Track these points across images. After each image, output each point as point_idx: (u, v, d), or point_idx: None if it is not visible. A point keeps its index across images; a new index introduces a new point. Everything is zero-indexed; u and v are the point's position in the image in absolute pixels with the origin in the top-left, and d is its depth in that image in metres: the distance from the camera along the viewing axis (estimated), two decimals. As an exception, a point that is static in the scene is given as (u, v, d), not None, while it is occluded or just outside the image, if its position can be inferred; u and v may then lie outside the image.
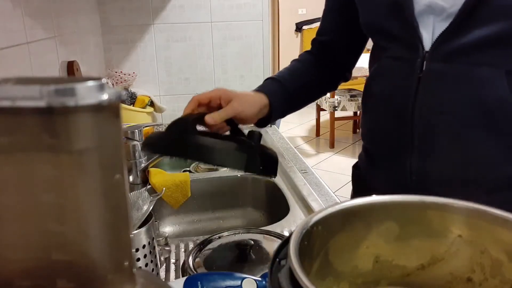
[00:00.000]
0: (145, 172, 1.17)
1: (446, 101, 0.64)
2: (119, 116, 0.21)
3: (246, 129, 0.68)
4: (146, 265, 0.69)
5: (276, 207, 1.11)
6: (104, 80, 0.20)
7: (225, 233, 0.81)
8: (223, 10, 1.56)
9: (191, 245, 0.85)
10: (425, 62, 0.65)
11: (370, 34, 0.77)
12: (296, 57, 0.88)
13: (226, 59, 1.62)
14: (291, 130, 4.76)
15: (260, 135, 0.65)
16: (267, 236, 0.80)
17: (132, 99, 1.49)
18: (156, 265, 0.72)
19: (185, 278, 0.58)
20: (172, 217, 1.17)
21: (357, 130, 4.59)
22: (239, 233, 0.81)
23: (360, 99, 4.09)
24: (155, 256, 0.71)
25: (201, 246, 0.78)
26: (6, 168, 0.20)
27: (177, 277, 0.77)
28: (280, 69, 0.86)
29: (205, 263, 0.72)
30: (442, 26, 0.63)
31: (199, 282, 0.56)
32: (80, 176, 0.20)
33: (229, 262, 0.72)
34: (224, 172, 1.25)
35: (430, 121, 0.66)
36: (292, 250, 0.31)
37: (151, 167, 1.17)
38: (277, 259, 0.32)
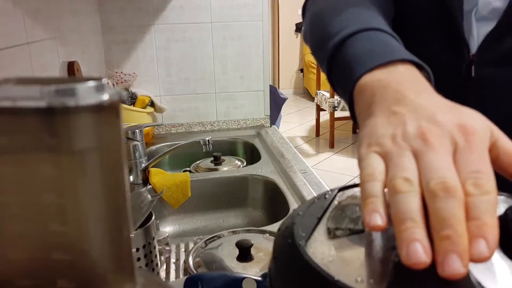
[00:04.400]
0: (145, 172, 1.17)
1: (502, 113, 0.53)
2: (119, 116, 0.21)
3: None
4: (146, 265, 0.69)
5: (276, 207, 1.11)
6: (104, 80, 0.21)
7: (225, 233, 0.81)
8: (223, 10, 1.56)
9: (191, 245, 0.85)
10: (473, 67, 0.55)
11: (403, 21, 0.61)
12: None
13: (226, 59, 1.62)
14: (291, 130, 4.76)
15: None
16: (267, 236, 0.80)
17: (132, 99, 1.50)
18: (156, 265, 0.72)
19: (185, 278, 0.58)
20: (172, 217, 1.17)
21: (357, 130, 4.58)
22: (239, 233, 0.82)
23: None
24: (155, 256, 0.71)
25: (201, 246, 0.78)
26: (6, 168, 0.20)
27: (177, 277, 0.77)
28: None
29: (205, 263, 0.72)
30: (485, 23, 0.54)
31: (199, 282, 0.56)
32: (80, 176, 0.21)
33: (229, 262, 0.72)
34: (224, 172, 1.25)
35: None
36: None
37: (152, 167, 1.17)
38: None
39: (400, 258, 0.24)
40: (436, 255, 0.24)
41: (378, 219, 0.26)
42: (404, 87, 0.36)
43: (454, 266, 0.23)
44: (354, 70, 0.42)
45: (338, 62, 0.47)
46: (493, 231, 0.24)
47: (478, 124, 0.30)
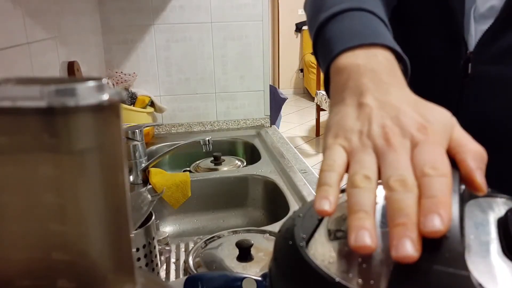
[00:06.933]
0: (145, 172, 1.17)
1: (497, 110, 0.56)
2: (119, 116, 0.21)
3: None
4: (146, 265, 0.69)
5: (276, 207, 1.11)
6: (104, 80, 0.21)
7: (225, 233, 0.81)
8: (223, 10, 1.56)
9: (191, 245, 0.85)
10: (470, 64, 0.56)
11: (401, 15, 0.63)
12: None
13: (226, 59, 1.62)
14: (291, 130, 4.76)
15: None
16: (267, 236, 0.80)
17: (132, 99, 1.50)
18: (156, 265, 0.72)
19: (185, 278, 0.58)
20: (172, 217, 1.17)
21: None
22: (239, 233, 0.82)
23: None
24: (155, 256, 0.71)
25: (201, 246, 0.78)
26: (7, 168, 0.20)
27: (177, 277, 0.77)
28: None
29: (205, 263, 0.72)
30: (483, 21, 0.55)
31: (199, 282, 0.56)
32: (80, 176, 0.21)
33: (229, 262, 0.72)
34: (224, 172, 1.25)
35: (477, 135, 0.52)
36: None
37: (152, 167, 1.17)
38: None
39: (348, 243, 0.26)
40: (391, 240, 0.25)
41: (326, 205, 0.28)
42: (378, 78, 0.37)
43: (407, 249, 0.24)
44: (334, 46, 0.43)
45: (323, 36, 0.48)
46: (447, 208, 0.26)
47: (439, 119, 0.32)
